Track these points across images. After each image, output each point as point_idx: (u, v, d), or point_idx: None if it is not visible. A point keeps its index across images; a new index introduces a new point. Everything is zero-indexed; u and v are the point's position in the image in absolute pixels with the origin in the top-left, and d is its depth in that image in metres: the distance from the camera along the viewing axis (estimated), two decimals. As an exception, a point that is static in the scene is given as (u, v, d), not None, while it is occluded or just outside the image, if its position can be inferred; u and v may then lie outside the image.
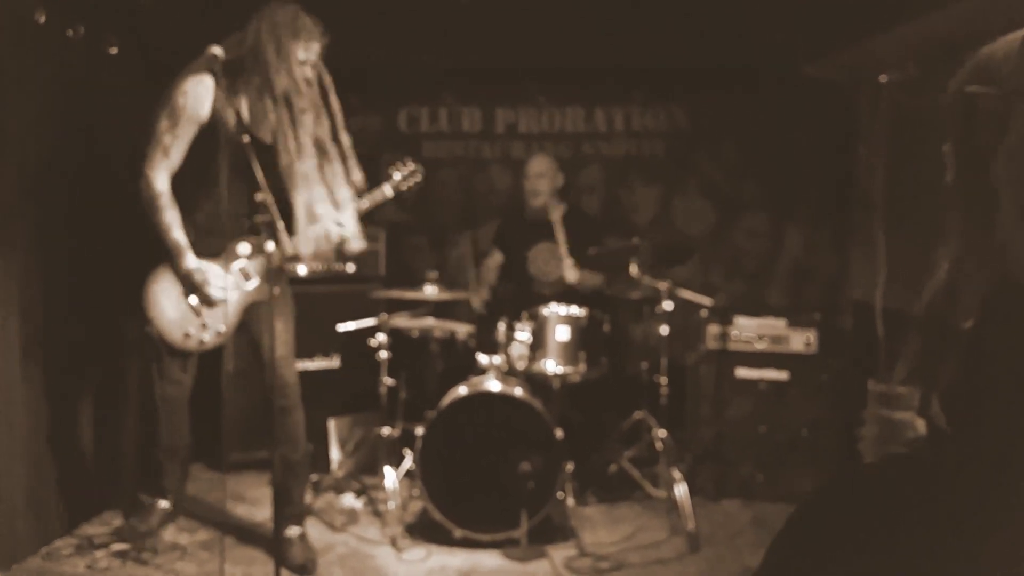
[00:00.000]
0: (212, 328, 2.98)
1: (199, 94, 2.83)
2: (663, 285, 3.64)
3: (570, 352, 3.59)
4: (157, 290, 2.94)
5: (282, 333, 3.03)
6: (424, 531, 3.33)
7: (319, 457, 3.93)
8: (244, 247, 3.01)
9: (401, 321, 3.73)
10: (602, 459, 3.94)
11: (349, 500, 3.71)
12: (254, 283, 3.02)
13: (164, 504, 3.25)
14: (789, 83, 4.44)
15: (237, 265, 3.00)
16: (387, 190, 3.19)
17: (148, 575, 2.99)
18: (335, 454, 4.04)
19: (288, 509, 3.08)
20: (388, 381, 3.64)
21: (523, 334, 3.63)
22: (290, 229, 2.92)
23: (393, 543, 3.26)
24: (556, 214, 4.20)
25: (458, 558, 3.17)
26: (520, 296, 4.15)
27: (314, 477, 3.77)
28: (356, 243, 3.09)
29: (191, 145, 2.89)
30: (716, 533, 3.40)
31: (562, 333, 3.60)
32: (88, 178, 3.33)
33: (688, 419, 3.98)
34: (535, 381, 3.64)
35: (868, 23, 3.27)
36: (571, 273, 4.03)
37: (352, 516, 3.56)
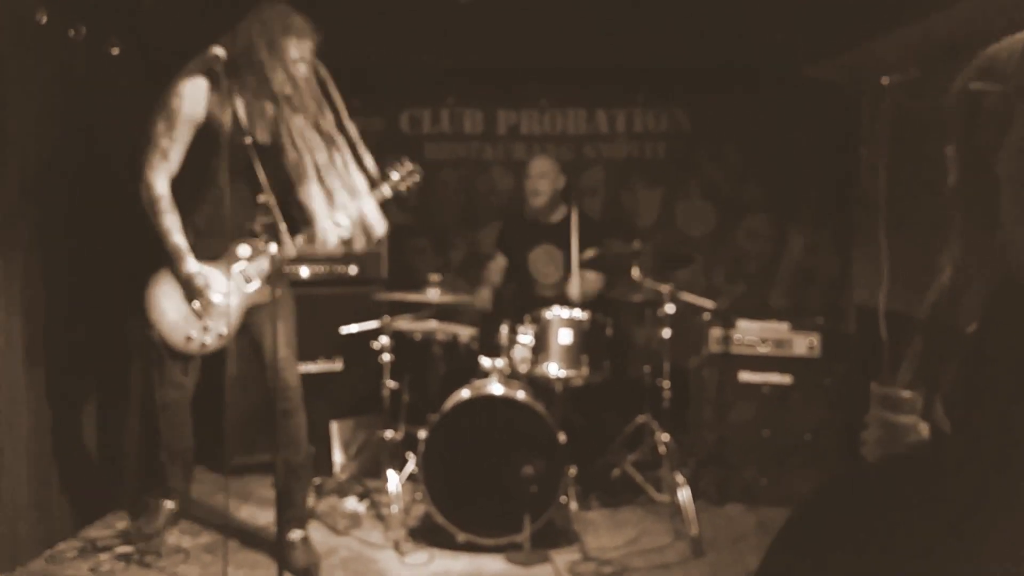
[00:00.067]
0: (214, 331, 2.98)
1: (194, 96, 2.84)
2: (665, 288, 3.63)
3: (573, 355, 3.58)
4: (158, 293, 2.94)
5: (283, 335, 3.02)
6: (427, 535, 3.33)
7: (322, 460, 3.93)
8: (244, 249, 3.01)
9: (404, 324, 3.73)
10: (605, 463, 3.93)
11: (352, 503, 3.70)
12: (255, 285, 3.02)
13: (170, 505, 3.25)
14: (791, 85, 4.44)
15: (237, 268, 3.00)
16: (385, 190, 3.19)
17: (150, 578, 3.00)
18: (338, 457, 4.04)
19: (290, 512, 3.07)
20: (391, 384, 3.64)
21: (526, 337, 3.63)
22: (292, 230, 2.92)
23: (396, 547, 3.26)
24: (560, 216, 4.20)
25: (461, 562, 3.16)
26: (522, 298, 4.15)
27: (317, 480, 3.77)
28: (380, 227, 3.09)
29: (190, 148, 2.89)
30: (719, 537, 3.39)
31: (564, 336, 3.59)
32: (89, 178, 3.34)
33: (691, 423, 3.97)
34: (538, 384, 3.64)
35: (869, 25, 3.27)
36: (575, 291, 4.02)
37: (355, 520, 3.56)
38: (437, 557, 3.20)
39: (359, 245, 3.09)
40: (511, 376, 3.58)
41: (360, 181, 3.05)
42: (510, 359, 3.62)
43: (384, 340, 3.61)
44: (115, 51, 3.43)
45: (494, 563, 3.15)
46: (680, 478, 3.43)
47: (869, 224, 3.90)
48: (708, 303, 3.87)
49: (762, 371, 3.82)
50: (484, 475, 3.24)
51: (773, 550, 0.87)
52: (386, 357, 3.61)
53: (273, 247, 2.98)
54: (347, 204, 3.00)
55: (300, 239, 2.98)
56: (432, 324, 3.75)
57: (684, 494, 3.37)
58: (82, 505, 3.36)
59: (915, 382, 1.27)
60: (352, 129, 3.04)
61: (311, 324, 4.03)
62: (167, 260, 2.92)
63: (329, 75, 3.00)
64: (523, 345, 3.62)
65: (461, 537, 3.21)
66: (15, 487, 2.98)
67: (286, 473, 3.04)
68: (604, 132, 4.89)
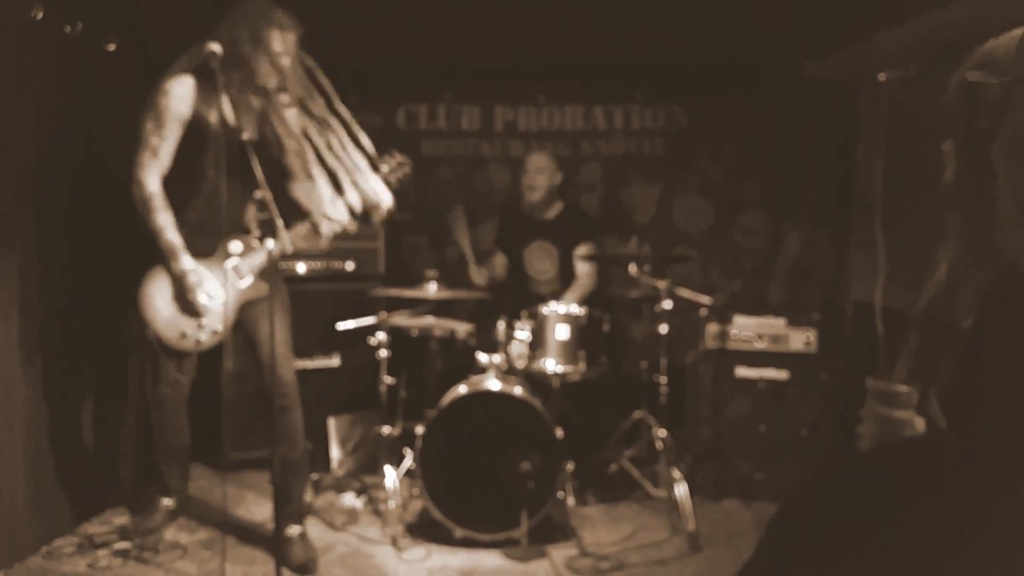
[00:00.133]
0: (208, 328, 2.98)
1: (181, 94, 2.86)
2: (662, 284, 3.64)
3: (570, 351, 3.59)
4: (152, 291, 2.94)
5: (278, 332, 3.02)
6: (424, 530, 3.34)
7: (319, 456, 3.94)
8: (236, 245, 3.01)
9: (401, 320, 3.73)
10: (602, 458, 3.94)
11: (349, 499, 3.71)
12: (248, 281, 3.02)
13: (168, 503, 3.26)
14: (789, 82, 4.44)
15: (230, 264, 3.00)
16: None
17: (149, 574, 2.99)
18: (335, 453, 4.04)
19: (288, 508, 3.08)
20: (388, 380, 3.64)
21: (523, 333, 3.63)
22: (286, 225, 2.92)
23: (393, 542, 3.26)
24: (556, 212, 4.20)
25: (458, 558, 3.17)
26: (518, 294, 4.15)
27: (314, 476, 3.77)
28: (387, 200, 3.12)
29: (179, 145, 2.90)
30: (716, 533, 3.41)
31: (562, 332, 3.60)
32: (87, 176, 3.33)
33: (688, 418, 3.98)
34: (535, 380, 3.64)
35: (868, 22, 3.28)
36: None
37: (352, 515, 3.56)
38: (434, 552, 3.21)
39: (378, 217, 3.12)
40: (508, 372, 3.59)
41: (360, 158, 3.07)
42: (507, 355, 3.62)
43: (381, 336, 3.61)
44: (112, 48, 3.42)
45: (491, 558, 3.16)
46: (677, 473, 3.44)
47: (866, 221, 3.90)
48: (705, 299, 3.87)
49: (758, 367, 3.83)
50: (481, 471, 3.25)
51: (766, 537, 0.88)
52: (383, 353, 3.61)
53: (270, 243, 2.99)
54: (350, 186, 3.01)
55: (295, 233, 2.99)
56: (429, 320, 3.75)
57: (681, 489, 3.38)
58: (80, 501, 3.36)
59: (911, 378, 1.28)
60: (345, 111, 3.06)
61: (308, 320, 4.03)
62: (160, 258, 2.92)
63: (315, 64, 3.02)
64: (520, 341, 3.63)
65: (458, 533, 3.22)
66: (13, 483, 2.98)
67: (283, 469, 3.05)
68: (602, 128, 4.89)
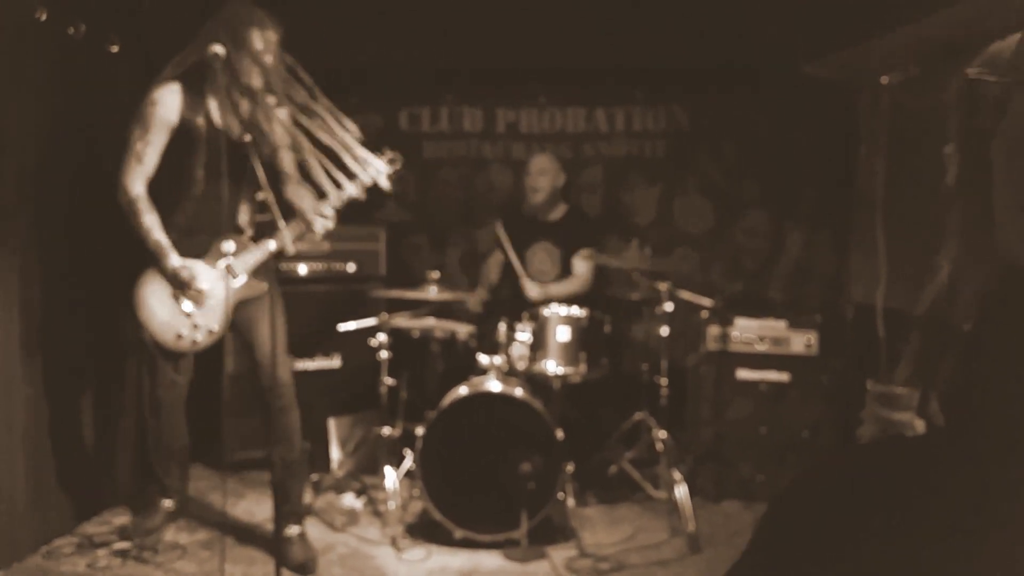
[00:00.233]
0: (204, 327, 2.99)
1: (167, 101, 2.90)
2: (663, 286, 3.64)
3: (571, 352, 3.59)
4: (146, 293, 2.96)
5: (273, 332, 3.03)
6: (424, 531, 3.34)
7: (319, 457, 3.94)
8: (229, 245, 3.02)
9: (401, 321, 3.73)
10: (602, 460, 3.93)
11: (349, 500, 3.71)
12: (241, 280, 3.03)
13: (168, 504, 3.26)
14: (790, 83, 4.43)
15: (223, 263, 3.01)
16: (366, 179, 3.18)
17: (148, 574, 2.99)
18: (335, 454, 4.04)
19: (287, 508, 3.08)
20: (388, 381, 3.64)
21: (524, 334, 3.63)
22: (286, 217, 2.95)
23: (393, 543, 3.26)
24: (559, 214, 4.20)
25: (458, 558, 3.17)
26: (520, 296, 4.15)
27: (314, 477, 3.77)
28: (384, 174, 3.13)
29: (169, 149, 2.94)
30: (716, 534, 3.40)
31: (563, 333, 3.60)
32: (87, 176, 3.34)
33: (688, 420, 3.97)
34: (536, 381, 3.64)
35: (869, 23, 3.27)
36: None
37: (352, 516, 3.56)
38: (434, 553, 3.20)
39: (386, 183, 3.12)
40: (509, 373, 3.59)
41: (349, 137, 3.08)
42: (508, 356, 3.62)
43: (382, 337, 3.61)
44: (114, 49, 3.43)
45: (491, 559, 3.15)
46: (677, 475, 3.44)
47: (867, 222, 3.90)
48: (706, 301, 3.87)
49: (760, 368, 3.83)
50: (482, 472, 3.25)
51: (760, 530, 0.88)
52: (384, 354, 3.61)
53: (272, 243, 3.01)
54: (350, 160, 3.04)
55: (291, 232, 3.00)
56: (430, 321, 3.75)
57: (681, 491, 3.38)
58: (79, 501, 3.36)
59: (913, 379, 1.28)
60: (326, 101, 3.07)
61: (309, 321, 4.04)
62: (152, 260, 2.95)
63: (296, 62, 3.04)
64: (521, 342, 3.62)
65: (458, 533, 3.21)
66: (12, 483, 2.98)
67: (281, 470, 3.05)
68: (603, 130, 4.89)
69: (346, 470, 3.91)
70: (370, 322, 3.71)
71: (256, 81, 2.92)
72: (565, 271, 4.18)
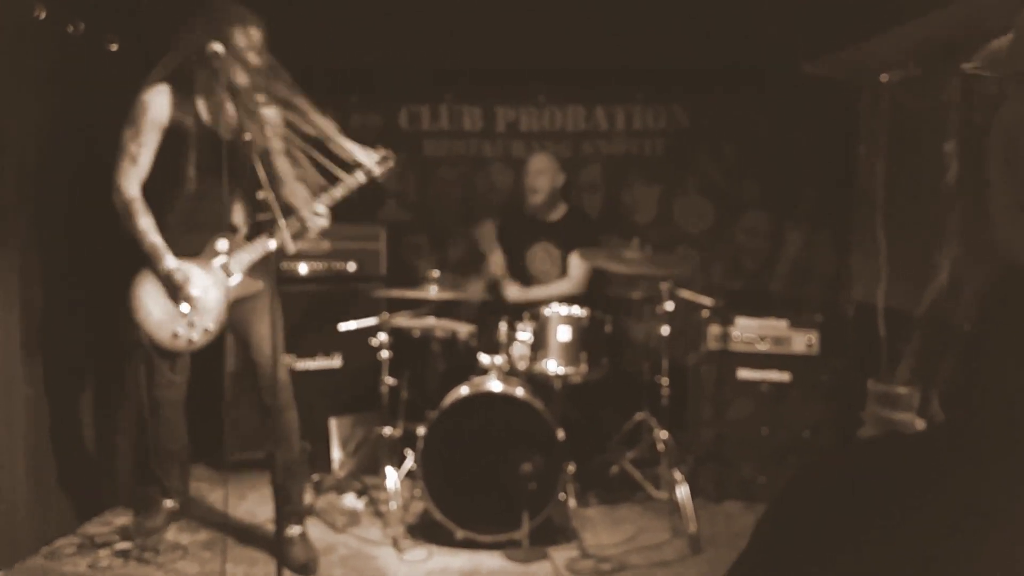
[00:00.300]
0: (200, 327, 2.99)
1: (157, 102, 2.93)
2: (664, 285, 3.63)
3: (571, 352, 3.59)
4: (142, 293, 2.97)
5: (269, 332, 3.04)
6: (425, 532, 3.33)
7: (320, 457, 3.94)
8: (223, 243, 3.03)
9: (402, 320, 3.73)
10: (603, 460, 3.93)
11: (351, 500, 3.71)
12: (236, 279, 3.04)
13: (169, 504, 3.26)
14: (790, 82, 4.43)
15: (218, 262, 3.02)
16: (360, 176, 3.19)
17: (150, 575, 2.99)
18: (336, 454, 4.04)
19: (287, 509, 3.08)
20: (389, 381, 3.64)
21: (524, 334, 3.63)
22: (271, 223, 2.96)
23: (395, 544, 3.26)
24: (559, 214, 4.20)
25: (460, 559, 3.17)
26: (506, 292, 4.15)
27: (315, 477, 3.77)
28: (375, 165, 3.16)
29: (160, 150, 2.96)
30: (718, 535, 3.40)
31: (563, 333, 3.59)
32: (87, 175, 3.34)
33: (689, 420, 3.97)
34: (536, 381, 3.64)
35: (869, 22, 3.27)
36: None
37: (353, 516, 3.56)
38: (435, 554, 3.20)
39: (381, 170, 3.13)
40: (510, 373, 3.59)
41: (330, 127, 3.11)
42: (509, 356, 3.62)
43: (383, 337, 3.61)
44: (114, 47, 3.43)
45: (492, 560, 3.15)
46: (678, 475, 3.44)
47: (867, 221, 3.90)
48: (707, 300, 3.87)
49: (760, 368, 3.82)
50: (483, 472, 3.25)
51: (760, 529, 0.87)
52: (385, 354, 3.61)
53: (272, 242, 3.00)
54: (335, 147, 3.07)
55: (286, 230, 3.00)
56: (431, 321, 3.75)
57: (682, 491, 3.37)
58: (81, 501, 3.36)
59: (914, 378, 1.28)
60: (304, 98, 3.09)
61: (310, 321, 4.04)
62: (147, 261, 2.96)
63: (276, 60, 3.06)
64: (522, 342, 3.62)
65: (460, 534, 3.21)
66: (13, 483, 2.98)
67: (281, 470, 3.05)
68: (603, 129, 4.89)
69: (347, 470, 3.91)
70: (371, 322, 3.71)
71: (241, 79, 2.92)
72: (566, 271, 4.18)
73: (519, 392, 3.35)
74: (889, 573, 0.76)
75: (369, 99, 4.81)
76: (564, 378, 3.60)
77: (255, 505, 3.66)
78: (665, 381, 3.66)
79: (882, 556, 0.76)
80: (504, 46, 4.34)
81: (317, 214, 3.03)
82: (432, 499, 3.23)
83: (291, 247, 2.98)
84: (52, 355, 3.17)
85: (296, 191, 3.10)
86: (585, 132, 4.89)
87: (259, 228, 3.08)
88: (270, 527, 3.34)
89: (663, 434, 3.64)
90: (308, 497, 3.58)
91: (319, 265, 4.17)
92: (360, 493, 3.76)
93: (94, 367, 3.48)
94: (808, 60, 3.92)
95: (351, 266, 4.24)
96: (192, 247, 3.00)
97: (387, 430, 3.65)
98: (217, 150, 2.89)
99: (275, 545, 2.90)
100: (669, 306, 3.65)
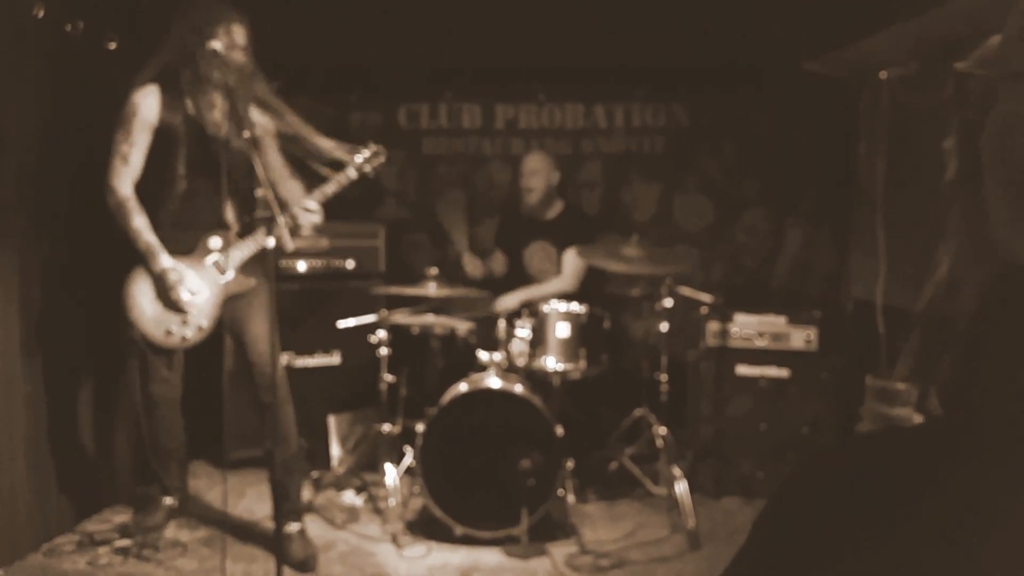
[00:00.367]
0: (193, 323, 3.00)
1: (146, 103, 2.96)
2: (663, 282, 3.63)
3: (570, 349, 3.59)
4: (135, 291, 2.98)
5: (263, 329, 3.05)
6: (425, 528, 3.34)
7: (320, 454, 3.94)
8: (216, 241, 3.04)
9: (401, 318, 3.73)
10: (602, 456, 3.94)
11: (350, 497, 3.71)
12: (229, 276, 3.05)
13: (169, 501, 3.26)
14: (789, 80, 4.43)
15: (211, 259, 3.03)
16: (351, 172, 3.19)
17: (149, 572, 3.00)
18: (335, 451, 4.05)
19: (285, 506, 3.08)
20: (388, 378, 3.64)
21: (523, 331, 3.63)
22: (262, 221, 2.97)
23: (394, 540, 3.26)
24: (555, 212, 4.20)
25: (459, 555, 3.17)
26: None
27: (315, 474, 3.77)
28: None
29: (152, 149, 2.98)
30: (717, 530, 3.41)
31: (562, 330, 3.60)
32: (88, 175, 3.33)
33: (688, 416, 3.97)
34: (535, 378, 3.64)
35: (869, 20, 3.27)
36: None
37: (353, 513, 3.56)
38: (435, 550, 3.21)
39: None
40: (509, 370, 3.59)
41: (307, 129, 3.13)
42: (508, 353, 3.62)
43: (382, 334, 3.61)
44: (113, 46, 3.42)
45: (492, 556, 3.16)
46: (677, 471, 3.44)
47: (867, 219, 3.90)
48: (706, 297, 3.87)
49: (759, 365, 3.83)
50: (482, 468, 3.25)
51: (758, 526, 0.87)
52: (384, 351, 3.61)
53: (259, 239, 3.03)
54: (311, 146, 3.09)
55: (278, 227, 3.00)
56: (430, 318, 3.75)
57: (681, 487, 3.38)
58: (80, 499, 3.37)
59: (913, 375, 1.28)
60: (279, 101, 3.12)
61: (309, 318, 4.04)
62: (141, 259, 2.98)
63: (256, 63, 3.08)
64: (521, 339, 3.62)
65: (459, 530, 3.22)
66: (13, 481, 2.98)
67: (279, 467, 3.05)
68: (602, 127, 4.89)
69: (346, 467, 3.91)
70: (370, 319, 3.71)
71: (228, 77, 2.93)
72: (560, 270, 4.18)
73: (518, 389, 3.35)
74: (888, 570, 0.76)
75: (368, 97, 4.81)
76: (563, 374, 3.60)
77: (254, 502, 3.66)
78: (664, 377, 3.66)
79: (881, 553, 0.76)
80: (503, 44, 4.34)
81: (308, 210, 3.03)
82: (431, 495, 3.24)
83: (289, 245, 2.98)
84: (52, 353, 3.17)
85: (291, 188, 3.11)
86: (584, 130, 4.89)
87: (251, 226, 3.09)
88: (269, 524, 3.34)
89: (662, 430, 3.65)
90: (307, 494, 3.59)
91: (318, 263, 4.17)
92: (359, 490, 3.76)
93: (94, 365, 3.48)
94: (808, 58, 3.92)
95: (350, 263, 4.24)
96: (184, 245, 3.02)
97: (386, 427, 3.65)
98: (207, 149, 2.94)
99: (274, 542, 2.90)
100: (668, 303, 3.65)
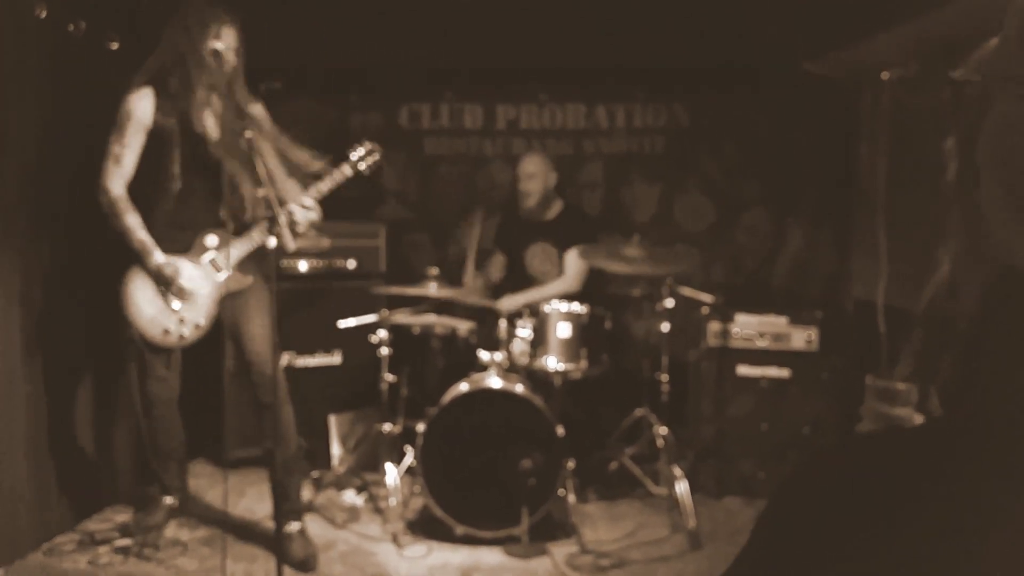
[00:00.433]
0: (190, 322, 3.01)
1: (141, 106, 2.98)
2: (664, 282, 3.63)
3: (571, 349, 3.59)
4: (132, 290, 3.00)
5: (261, 329, 3.06)
6: (425, 528, 3.34)
7: (320, 453, 3.94)
8: (212, 239, 3.05)
9: (402, 317, 3.73)
10: (603, 456, 3.94)
11: (350, 497, 3.71)
12: (225, 274, 3.06)
13: (169, 500, 3.27)
14: (790, 80, 4.43)
15: (207, 257, 3.03)
16: (346, 170, 3.19)
17: (150, 571, 3.00)
18: (336, 450, 4.05)
19: (285, 505, 3.08)
20: (389, 377, 3.64)
21: (524, 331, 3.63)
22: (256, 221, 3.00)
23: (394, 540, 3.26)
24: (555, 212, 4.19)
25: (459, 555, 3.17)
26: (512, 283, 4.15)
27: (315, 474, 3.78)
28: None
29: (146, 150, 3.00)
30: (717, 531, 3.41)
31: (563, 330, 3.60)
32: (88, 174, 3.34)
33: (689, 416, 3.98)
34: (536, 378, 3.64)
35: (869, 20, 3.27)
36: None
37: (353, 513, 3.56)
38: (435, 550, 3.21)
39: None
40: (510, 369, 3.59)
41: (279, 137, 3.15)
42: (509, 352, 3.62)
43: (382, 334, 3.61)
44: (114, 47, 3.43)
45: (492, 556, 3.16)
46: (678, 471, 3.44)
47: (868, 219, 3.90)
48: (707, 297, 3.87)
49: (760, 365, 3.83)
50: (482, 468, 3.25)
51: (759, 527, 0.87)
52: (384, 351, 3.61)
53: (255, 237, 3.04)
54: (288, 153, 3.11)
55: (275, 225, 3.01)
56: (431, 318, 3.76)
57: (682, 487, 3.38)
58: (81, 498, 3.37)
59: (914, 376, 1.28)
60: (259, 108, 3.12)
61: (310, 318, 4.04)
62: (136, 259, 2.99)
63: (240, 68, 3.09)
64: (522, 338, 3.63)
65: (459, 530, 3.22)
66: (13, 480, 2.98)
67: (279, 467, 3.05)
68: (603, 127, 4.89)
69: (347, 467, 3.92)
70: (371, 319, 3.71)
71: (219, 80, 2.97)
72: (561, 270, 4.18)
73: (519, 388, 3.35)
74: (889, 571, 0.76)
75: (370, 98, 4.81)
76: (564, 374, 3.61)
77: (254, 502, 3.66)
78: (665, 377, 3.66)
79: (882, 553, 0.76)
80: (505, 44, 4.34)
81: (305, 207, 3.03)
82: (432, 495, 3.24)
83: (291, 245, 2.98)
84: (52, 353, 3.18)
85: (287, 188, 3.11)
86: (585, 130, 4.89)
87: (246, 224, 3.09)
88: (269, 523, 3.35)
89: (663, 430, 3.65)
90: (307, 493, 3.59)
91: (319, 262, 4.17)
92: (360, 489, 3.76)
93: (94, 365, 3.48)
94: (808, 59, 3.92)
95: (351, 263, 4.24)
96: (181, 244, 3.04)
97: (387, 427, 3.65)
98: (201, 149, 2.97)
99: (275, 541, 2.90)
100: (669, 303, 3.65)
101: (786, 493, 0.88)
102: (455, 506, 3.23)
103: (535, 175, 4.11)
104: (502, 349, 3.62)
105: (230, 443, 3.96)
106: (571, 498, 3.40)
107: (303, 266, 4.13)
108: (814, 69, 3.91)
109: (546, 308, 3.63)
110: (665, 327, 3.66)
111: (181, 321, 3.01)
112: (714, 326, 3.88)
